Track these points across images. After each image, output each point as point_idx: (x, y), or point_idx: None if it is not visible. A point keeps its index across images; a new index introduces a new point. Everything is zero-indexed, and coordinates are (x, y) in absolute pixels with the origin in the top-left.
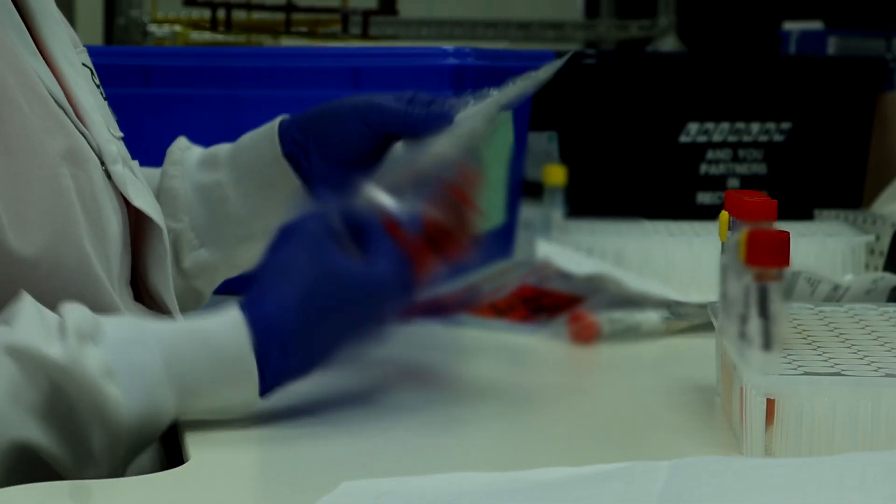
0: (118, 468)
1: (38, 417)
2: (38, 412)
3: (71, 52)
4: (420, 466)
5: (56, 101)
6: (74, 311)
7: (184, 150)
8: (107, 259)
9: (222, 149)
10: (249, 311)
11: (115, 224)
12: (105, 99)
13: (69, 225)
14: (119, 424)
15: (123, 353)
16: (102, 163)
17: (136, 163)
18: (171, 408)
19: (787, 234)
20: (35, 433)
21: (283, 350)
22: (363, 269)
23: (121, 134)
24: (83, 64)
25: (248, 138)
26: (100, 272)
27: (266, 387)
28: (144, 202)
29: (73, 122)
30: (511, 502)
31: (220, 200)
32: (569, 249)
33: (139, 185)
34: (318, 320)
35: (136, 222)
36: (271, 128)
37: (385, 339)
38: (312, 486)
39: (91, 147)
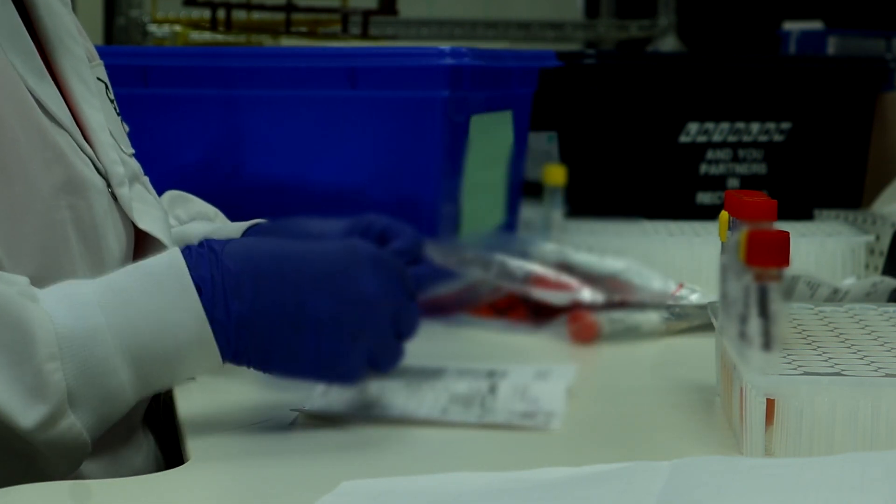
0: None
1: None
2: None
3: (85, 68)
4: (420, 466)
5: (61, 125)
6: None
7: None
8: None
9: None
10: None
11: (116, 250)
12: (118, 115)
13: (62, 256)
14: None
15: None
16: (109, 185)
17: (146, 179)
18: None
19: (787, 234)
20: None
21: (224, 271)
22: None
23: (132, 151)
24: (98, 79)
25: None
26: None
27: (215, 311)
28: (152, 223)
29: (79, 145)
30: (511, 502)
31: None
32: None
33: (148, 204)
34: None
35: (145, 243)
36: None
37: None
38: (312, 487)
39: (98, 170)
